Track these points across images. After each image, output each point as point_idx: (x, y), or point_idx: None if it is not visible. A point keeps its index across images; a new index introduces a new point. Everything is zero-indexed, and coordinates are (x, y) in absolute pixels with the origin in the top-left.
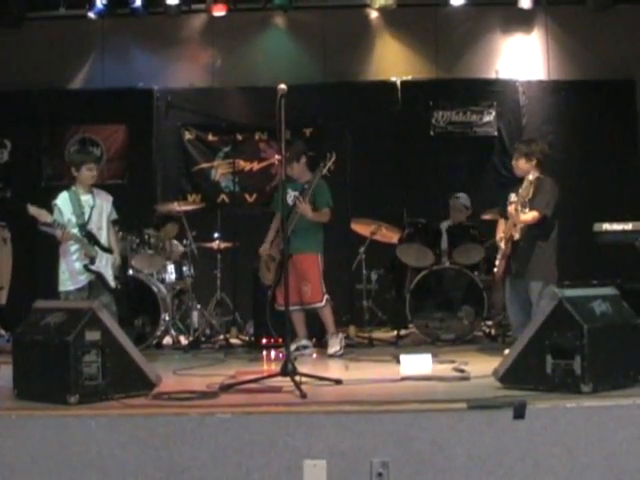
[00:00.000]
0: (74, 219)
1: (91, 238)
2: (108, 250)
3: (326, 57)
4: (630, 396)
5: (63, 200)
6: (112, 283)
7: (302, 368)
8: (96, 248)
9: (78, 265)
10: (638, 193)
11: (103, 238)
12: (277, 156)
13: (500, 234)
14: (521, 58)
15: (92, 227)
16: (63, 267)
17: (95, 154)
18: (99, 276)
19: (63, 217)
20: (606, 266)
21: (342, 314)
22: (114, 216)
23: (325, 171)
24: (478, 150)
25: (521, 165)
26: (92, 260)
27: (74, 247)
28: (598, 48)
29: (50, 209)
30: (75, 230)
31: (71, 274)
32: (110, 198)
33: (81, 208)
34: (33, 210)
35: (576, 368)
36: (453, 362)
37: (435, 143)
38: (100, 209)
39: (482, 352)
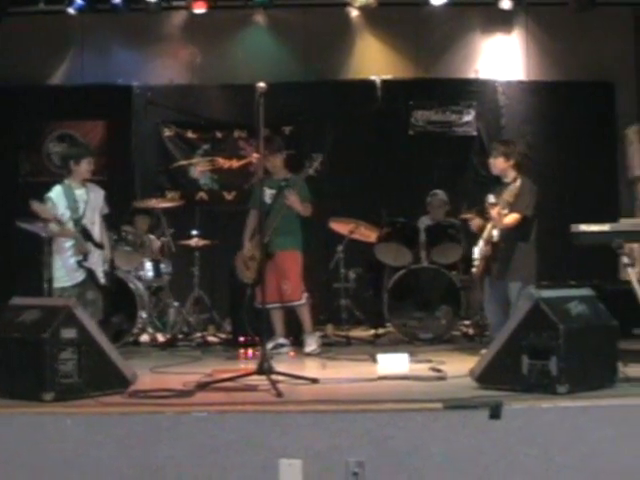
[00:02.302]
0: (68, 213)
1: (85, 233)
2: (100, 246)
3: (306, 55)
4: (606, 397)
5: (57, 194)
6: (102, 280)
7: (279, 367)
8: (90, 244)
9: (73, 261)
10: (616, 194)
11: (96, 233)
12: (255, 154)
13: (476, 225)
14: (501, 58)
15: (86, 222)
16: (59, 264)
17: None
18: (90, 272)
19: (57, 211)
20: (584, 267)
21: (320, 313)
22: (105, 211)
23: (311, 171)
24: (457, 150)
25: (499, 164)
26: (85, 256)
27: (69, 243)
28: (578, 49)
29: (29, 205)
30: (70, 225)
31: (67, 271)
32: (102, 192)
33: (75, 202)
34: (36, 206)
35: (552, 369)
36: (430, 362)
37: (414, 142)
38: (93, 204)
39: (459, 352)
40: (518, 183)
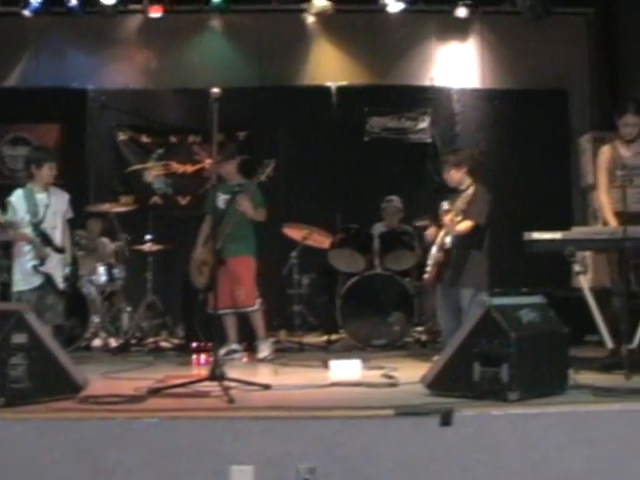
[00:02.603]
0: (28, 217)
1: (44, 238)
2: (61, 250)
3: (262, 61)
4: (556, 404)
5: (17, 198)
6: (61, 285)
7: (231, 373)
8: (49, 249)
9: (30, 265)
10: (569, 202)
11: (57, 238)
12: (208, 160)
13: (430, 233)
14: (456, 66)
15: (46, 226)
16: (17, 268)
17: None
18: (48, 277)
19: (17, 215)
20: (538, 274)
21: (273, 318)
22: (70, 215)
23: (264, 177)
24: (412, 156)
25: (453, 175)
26: (42, 261)
27: (27, 247)
28: (532, 58)
29: None
30: (29, 229)
31: (24, 275)
32: (67, 196)
33: (35, 207)
34: None
35: (503, 376)
36: (382, 368)
37: (369, 149)
38: (55, 208)
39: (412, 358)
40: (471, 190)
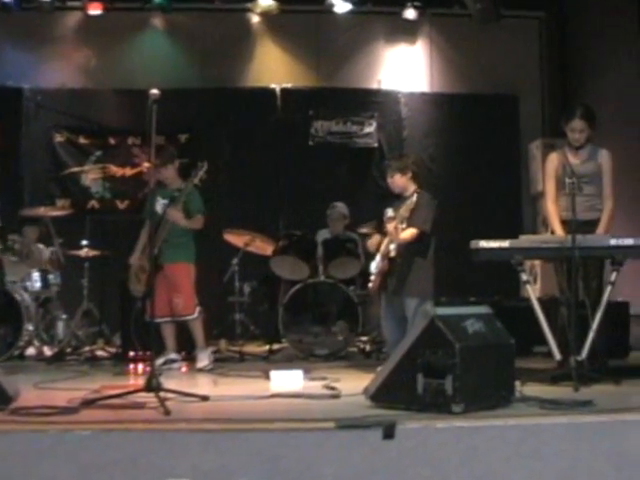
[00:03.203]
0: None
1: None
2: None
3: (205, 61)
4: (501, 417)
5: None
6: None
7: (169, 383)
8: None
9: None
10: (519, 209)
11: None
12: (146, 163)
13: (373, 243)
14: (404, 69)
15: None
16: None
17: None
18: None
19: None
20: (486, 283)
21: (213, 327)
22: None
23: (197, 180)
24: (358, 161)
25: (397, 181)
26: None
27: None
28: (482, 62)
29: None
30: None
31: None
32: None
33: None
34: None
35: (447, 388)
36: (325, 379)
37: (314, 153)
38: None
39: (356, 369)
40: (415, 197)
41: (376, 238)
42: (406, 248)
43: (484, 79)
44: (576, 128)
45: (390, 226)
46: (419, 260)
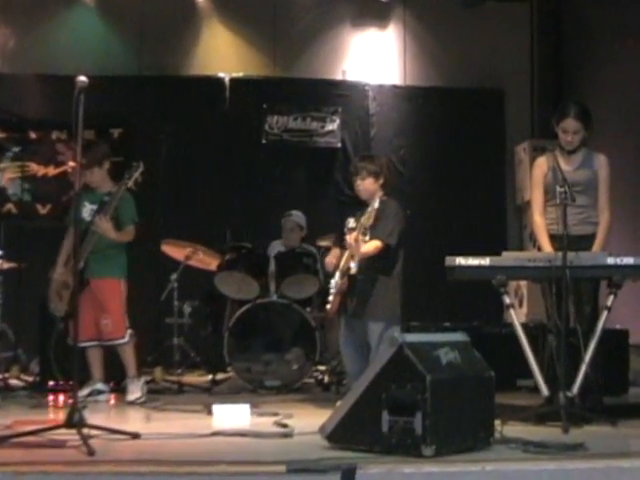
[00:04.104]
0: None
1: None
2: None
3: (143, 45)
4: (478, 461)
5: None
6: None
7: (94, 418)
8: None
9: None
10: (503, 221)
11: None
12: (72, 162)
13: (332, 261)
14: (373, 58)
15: None
16: None
17: None
18: None
19: None
20: (466, 306)
21: (147, 353)
22: None
23: (130, 183)
24: (318, 163)
25: (368, 186)
26: None
27: None
28: (463, 51)
29: None
30: None
31: None
32: None
33: None
34: None
35: (417, 426)
36: (276, 415)
37: (268, 153)
38: None
39: (312, 403)
40: (377, 204)
41: (335, 252)
42: (369, 264)
43: (465, 71)
44: (569, 129)
45: (350, 238)
46: (384, 278)
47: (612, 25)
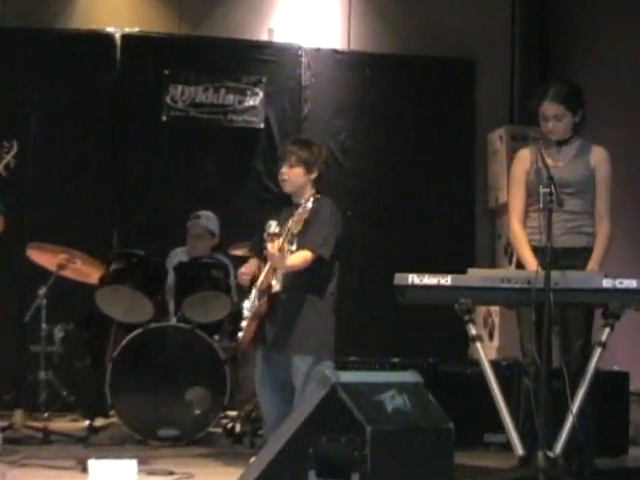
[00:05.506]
0: None
1: None
2: None
3: None
4: None
5: None
6: None
7: None
8: None
9: None
10: (470, 229)
11: None
12: None
13: (247, 274)
14: (309, 15)
15: None
16: None
17: None
18: None
19: None
20: (419, 337)
21: (4, 391)
22: None
23: (1, 169)
24: (234, 149)
25: (296, 176)
26: None
27: None
28: (425, 10)
29: None
30: None
31: None
32: None
33: None
34: None
35: None
36: (171, 474)
37: (169, 133)
38: None
39: (218, 459)
40: (310, 204)
41: (252, 264)
42: (295, 280)
43: (426, 35)
44: (548, 114)
45: (273, 247)
46: (314, 299)
47: None
